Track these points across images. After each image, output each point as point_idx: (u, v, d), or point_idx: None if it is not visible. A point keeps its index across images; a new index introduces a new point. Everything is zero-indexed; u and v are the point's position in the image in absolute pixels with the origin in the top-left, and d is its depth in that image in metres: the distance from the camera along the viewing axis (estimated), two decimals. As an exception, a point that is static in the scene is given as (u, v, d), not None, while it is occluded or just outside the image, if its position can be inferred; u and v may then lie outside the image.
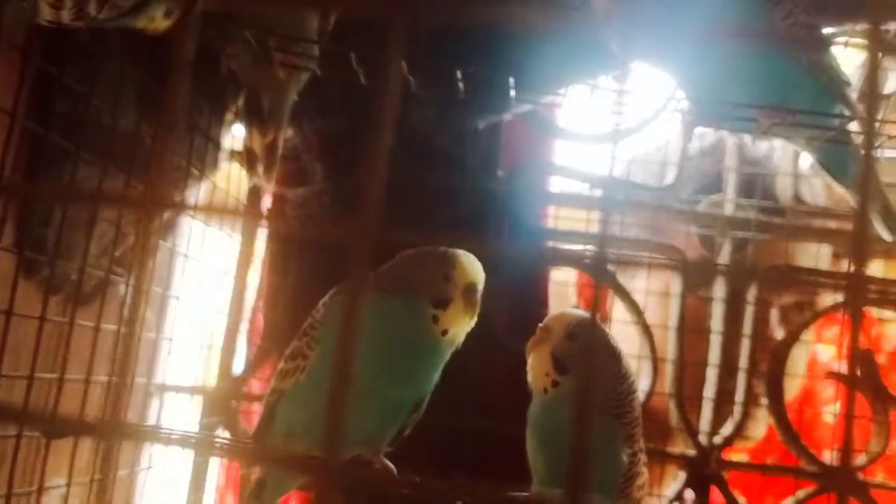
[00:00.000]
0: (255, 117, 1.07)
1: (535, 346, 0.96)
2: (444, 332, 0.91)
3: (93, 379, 1.00)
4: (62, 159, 0.93)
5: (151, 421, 1.20)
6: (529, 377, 0.97)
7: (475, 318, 0.94)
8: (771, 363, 1.37)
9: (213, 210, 1.38)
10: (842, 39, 1.29)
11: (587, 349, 0.91)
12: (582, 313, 0.96)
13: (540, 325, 0.97)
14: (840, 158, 1.04)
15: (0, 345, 0.85)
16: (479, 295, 0.93)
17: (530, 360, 0.96)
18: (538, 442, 0.94)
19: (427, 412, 0.99)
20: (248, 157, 1.08)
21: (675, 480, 1.38)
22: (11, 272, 0.90)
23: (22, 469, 0.92)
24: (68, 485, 0.97)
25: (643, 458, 0.97)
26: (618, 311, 1.42)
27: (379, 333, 0.87)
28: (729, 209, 1.39)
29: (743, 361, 1.37)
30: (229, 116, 1.23)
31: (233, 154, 1.30)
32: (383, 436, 0.95)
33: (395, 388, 0.93)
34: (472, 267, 0.93)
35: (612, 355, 0.94)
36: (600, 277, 1.38)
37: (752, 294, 1.37)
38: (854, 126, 0.99)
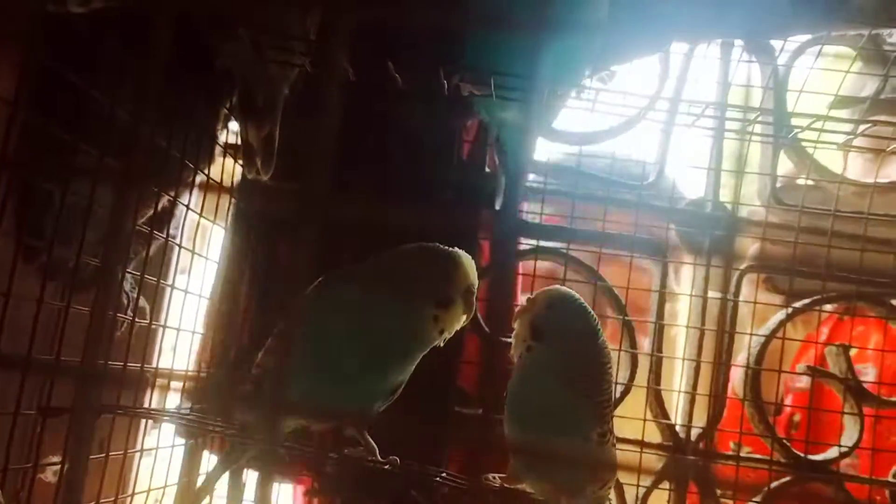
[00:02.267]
0: (250, 112, 1.11)
1: (519, 314, 1.01)
2: (441, 332, 0.96)
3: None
4: (61, 148, 0.97)
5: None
6: (512, 345, 1.02)
7: (470, 318, 0.99)
8: (748, 357, 1.41)
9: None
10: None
11: (562, 318, 0.96)
12: (567, 290, 1.01)
13: (528, 296, 1.02)
14: None
15: (-1, 324, 0.89)
16: (475, 297, 0.98)
17: (515, 328, 1.02)
18: (510, 404, 0.99)
19: (408, 394, 1.04)
20: (245, 151, 1.12)
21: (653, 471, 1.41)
22: (10, 256, 0.94)
23: (19, 446, 0.96)
24: (62, 462, 1.01)
25: (613, 439, 1.01)
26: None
27: (379, 327, 0.93)
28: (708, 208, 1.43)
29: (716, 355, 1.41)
30: (224, 111, 1.27)
31: (228, 148, 1.34)
32: (367, 414, 1.00)
33: (385, 375, 0.97)
34: (472, 269, 0.99)
35: (588, 332, 0.98)
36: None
37: (730, 290, 1.41)
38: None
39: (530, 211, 1.44)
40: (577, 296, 1.03)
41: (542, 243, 1.43)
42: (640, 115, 1.37)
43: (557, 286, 1.05)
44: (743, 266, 1.41)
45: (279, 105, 1.12)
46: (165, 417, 1.03)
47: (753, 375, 1.40)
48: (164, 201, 1.15)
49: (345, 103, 1.32)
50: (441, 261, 0.97)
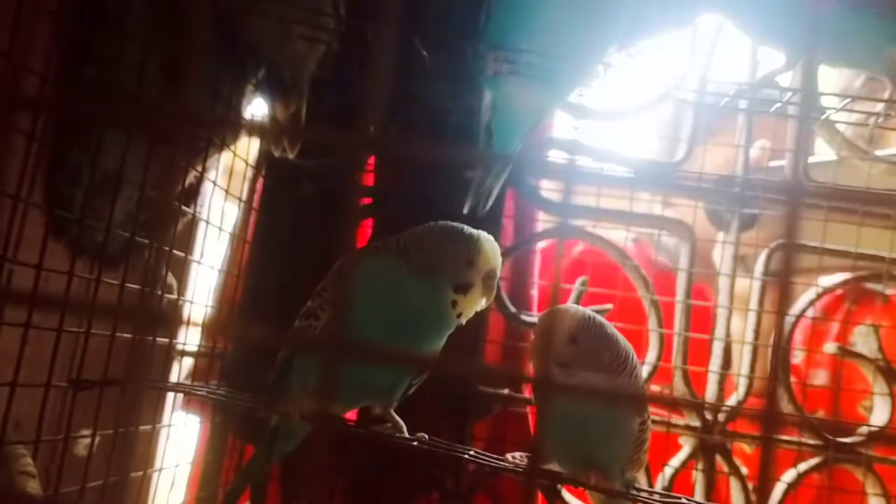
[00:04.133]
0: (278, 88, 1.11)
1: (539, 351, 0.99)
2: (459, 315, 0.95)
3: (117, 336, 1.03)
4: (90, 125, 0.97)
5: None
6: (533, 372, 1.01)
7: (490, 302, 0.98)
8: (777, 338, 1.40)
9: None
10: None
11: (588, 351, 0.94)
12: (580, 312, 0.97)
13: (537, 325, 0.99)
14: None
15: (31, 297, 0.88)
16: (496, 281, 0.97)
17: (532, 363, 0.99)
18: (550, 429, 0.97)
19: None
20: (272, 128, 1.11)
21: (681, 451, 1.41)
22: (41, 231, 0.94)
23: (49, 419, 0.96)
24: (93, 435, 1.01)
25: (650, 423, 1.00)
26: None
27: (399, 306, 0.92)
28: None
29: (749, 336, 1.39)
30: (249, 88, 1.26)
31: (252, 126, 1.33)
32: (393, 393, 0.99)
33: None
34: (494, 253, 0.96)
35: (611, 347, 0.96)
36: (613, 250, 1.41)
37: (758, 269, 1.40)
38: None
39: (555, 189, 1.43)
40: (598, 318, 0.98)
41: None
42: (667, 93, 1.36)
43: (569, 311, 0.98)
44: (773, 244, 1.39)
45: (306, 82, 1.12)
46: (196, 393, 1.03)
47: (783, 356, 1.38)
48: (191, 177, 1.15)
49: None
50: (465, 245, 0.95)
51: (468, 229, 0.97)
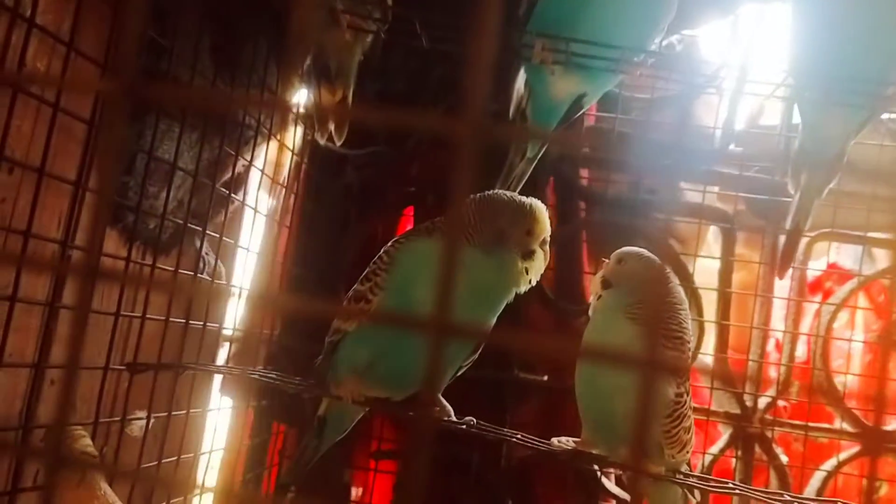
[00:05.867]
0: (324, 77, 1.12)
1: (596, 272, 1.04)
2: (529, 281, 0.98)
3: (171, 321, 1.06)
4: (145, 112, 0.99)
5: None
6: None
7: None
8: (818, 327, 1.40)
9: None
10: None
11: (630, 268, 0.97)
12: (639, 249, 1.02)
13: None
14: None
15: (91, 282, 0.91)
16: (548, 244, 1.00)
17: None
18: (582, 399, 0.99)
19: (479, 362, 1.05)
20: (318, 116, 1.13)
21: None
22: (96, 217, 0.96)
23: (107, 400, 0.99)
24: (147, 417, 1.03)
25: (690, 402, 1.00)
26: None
27: (467, 284, 0.91)
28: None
29: (788, 324, 1.39)
30: (296, 78, 1.28)
31: (299, 116, 1.35)
32: (445, 377, 1.00)
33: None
34: (547, 220, 0.99)
35: (655, 277, 0.98)
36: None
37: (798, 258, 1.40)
38: None
39: (596, 178, 1.43)
40: (649, 252, 1.03)
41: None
42: (708, 82, 1.35)
43: (633, 247, 1.05)
44: (814, 233, 1.39)
45: (353, 71, 1.13)
46: (249, 376, 1.05)
47: (823, 344, 1.38)
48: (239, 166, 1.17)
49: (415, 70, 1.34)
50: (525, 216, 0.98)
51: (521, 199, 0.99)
